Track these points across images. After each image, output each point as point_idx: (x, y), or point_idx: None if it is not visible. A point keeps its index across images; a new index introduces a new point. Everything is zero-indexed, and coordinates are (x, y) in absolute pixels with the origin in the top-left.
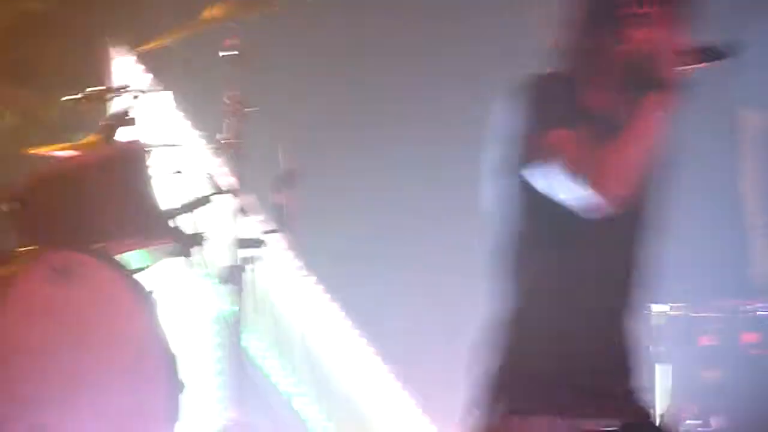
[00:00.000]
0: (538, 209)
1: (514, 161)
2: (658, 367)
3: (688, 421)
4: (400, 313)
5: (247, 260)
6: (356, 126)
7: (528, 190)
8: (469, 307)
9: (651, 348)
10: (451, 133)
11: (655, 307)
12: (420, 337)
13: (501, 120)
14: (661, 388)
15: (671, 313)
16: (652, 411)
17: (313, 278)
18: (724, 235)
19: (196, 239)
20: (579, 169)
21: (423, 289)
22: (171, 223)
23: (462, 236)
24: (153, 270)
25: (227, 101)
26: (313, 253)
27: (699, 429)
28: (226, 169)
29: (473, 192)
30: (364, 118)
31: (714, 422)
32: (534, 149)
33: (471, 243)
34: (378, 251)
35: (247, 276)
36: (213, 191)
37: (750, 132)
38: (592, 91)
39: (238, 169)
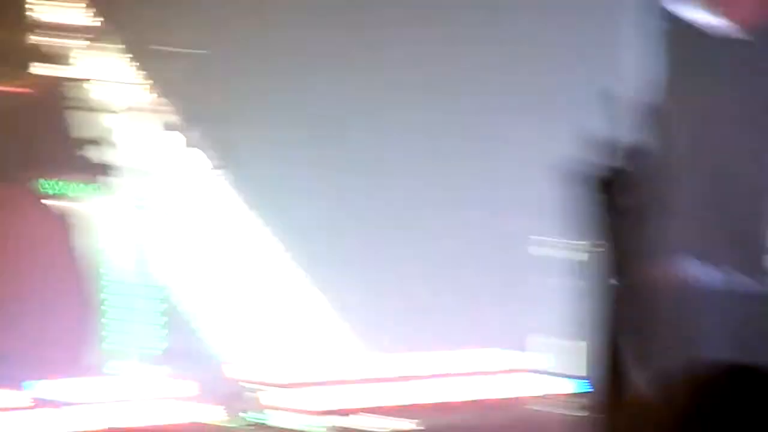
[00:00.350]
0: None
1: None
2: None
3: None
4: (316, 214)
5: (187, 189)
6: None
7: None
8: (378, 205)
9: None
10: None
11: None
12: (330, 237)
13: None
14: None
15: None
16: None
17: (229, 186)
18: None
19: (113, 168)
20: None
21: (341, 191)
22: (90, 154)
23: (376, 140)
24: (74, 197)
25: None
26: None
27: None
28: (164, 105)
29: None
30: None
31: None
32: None
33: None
34: (297, 155)
35: (186, 204)
36: (131, 123)
37: None
38: None
39: (177, 104)
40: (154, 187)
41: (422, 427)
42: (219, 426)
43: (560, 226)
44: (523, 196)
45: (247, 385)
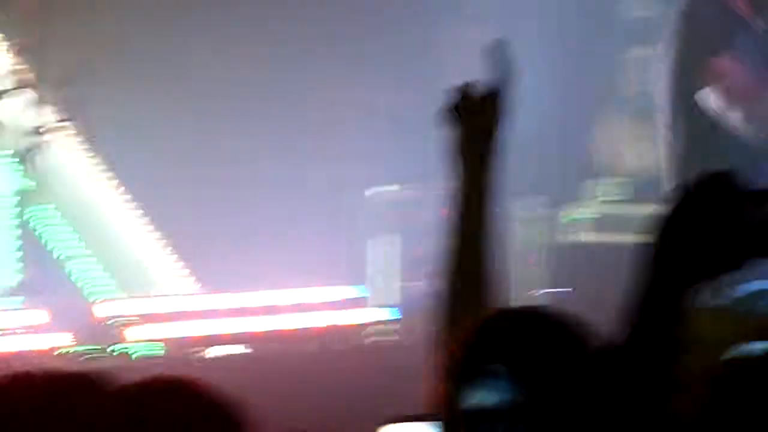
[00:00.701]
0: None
1: (686, 86)
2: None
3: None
4: (183, 192)
5: (41, 144)
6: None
7: (699, 114)
8: (218, 150)
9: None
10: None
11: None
12: (204, 217)
13: (670, 41)
14: (387, 259)
15: (397, 192)
16: None
17: (98, 159)
18: None
19: None
20: (741, 101)
21: (209, 174)
22: None
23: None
24: None
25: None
26: (101, 138)
27: (422, 290)
28: (19, 65)
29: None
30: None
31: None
32: (700, 76)
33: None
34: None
35: (40, 157)
36: (8, 85)
37: None
38: None
39: (32, 65)
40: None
41: (250, 351)
42: (66, 354)
43: (397, 173)
44: (360, 144)
45: (96, 316)
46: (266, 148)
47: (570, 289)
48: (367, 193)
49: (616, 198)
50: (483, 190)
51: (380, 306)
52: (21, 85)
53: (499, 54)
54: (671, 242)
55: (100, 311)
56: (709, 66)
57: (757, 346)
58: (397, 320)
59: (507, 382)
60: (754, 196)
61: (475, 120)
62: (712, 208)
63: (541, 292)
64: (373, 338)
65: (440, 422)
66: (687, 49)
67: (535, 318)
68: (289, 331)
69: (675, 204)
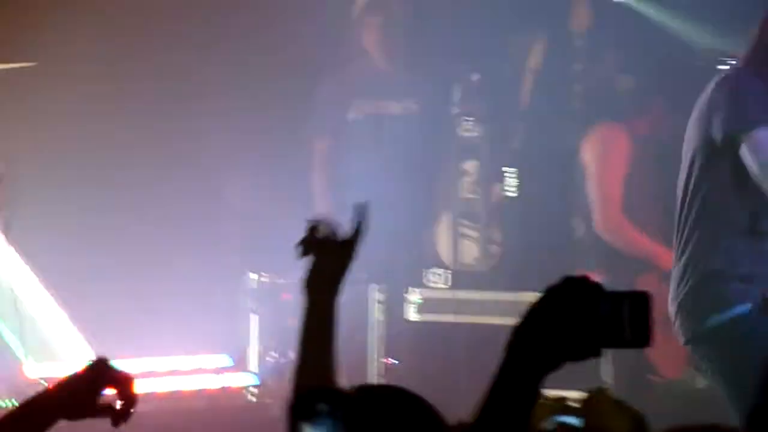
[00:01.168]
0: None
1: (726, 146)
2: (252, 317)
3: (272, 354)
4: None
5: None
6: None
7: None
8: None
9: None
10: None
11: (252, 276)
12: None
13: (711, 105)
14: (253, 333)
15: (262, 279)
16: None
17: (16, 247)
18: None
19: None
20: None
21: (113, 257)
22: None
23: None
24: None
25: None
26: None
27: (281, 359)
28: None
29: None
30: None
31: (291, 354)
32: (745, 141)
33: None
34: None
35: None
36: None
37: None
38: None
39: None
40: None
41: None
42: None
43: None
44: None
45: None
46: (160, 241)
47: (399, 362)
48: (242, 278)
49: (442, 285)
50: (323, 315)
51: (247, 372)
52: None
53: (359, 211)
54: (533, 331)
55: (27, 371)
56: (746, 138)
57: (563, 420)
58: (258, 384)
59: (329, 419)
60: (606, 297)
61: (324, 258)
62: (570, 304)
63: (377, 361)
64: (247, 398)
65: None
66: (729, 119)
67: (365, 386)
68: (185, 391)
69: (541, 299)
